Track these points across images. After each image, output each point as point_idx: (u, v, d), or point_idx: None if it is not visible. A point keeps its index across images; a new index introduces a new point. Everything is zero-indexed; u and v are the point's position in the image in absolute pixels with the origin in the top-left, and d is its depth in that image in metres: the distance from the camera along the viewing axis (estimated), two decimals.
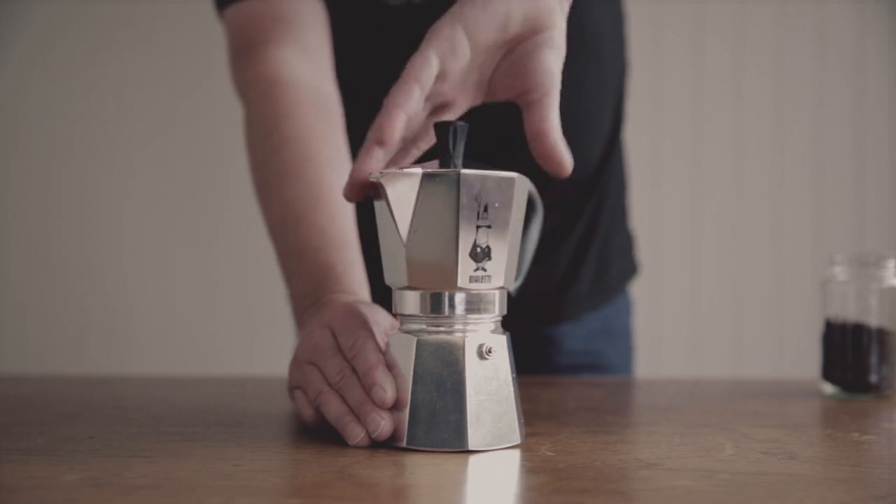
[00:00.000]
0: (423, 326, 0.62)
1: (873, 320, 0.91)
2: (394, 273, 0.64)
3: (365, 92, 0.87)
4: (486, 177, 0.61)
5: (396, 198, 0.60)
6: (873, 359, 0.90)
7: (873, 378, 0.90)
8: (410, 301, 0.63)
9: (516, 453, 0.62)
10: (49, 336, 2.11)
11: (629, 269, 1.17)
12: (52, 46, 2.10)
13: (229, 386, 0.96)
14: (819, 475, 0.57)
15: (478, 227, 0.61)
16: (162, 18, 2.05)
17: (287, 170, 0.82)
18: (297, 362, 0.70)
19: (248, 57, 0.88)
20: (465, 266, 0.61)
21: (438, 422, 0.61)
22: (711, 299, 2.15)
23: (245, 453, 0.61)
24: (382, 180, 0.60)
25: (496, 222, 0.62)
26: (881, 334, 0.91)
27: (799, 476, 0.56)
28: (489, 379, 0.62)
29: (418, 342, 0.62)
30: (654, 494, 0.52)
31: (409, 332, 0.63)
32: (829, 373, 0.92)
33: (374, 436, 0.62)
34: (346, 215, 0.81)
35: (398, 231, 0.61)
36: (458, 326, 0.62)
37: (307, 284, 0.77)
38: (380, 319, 0.69)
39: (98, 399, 0.85)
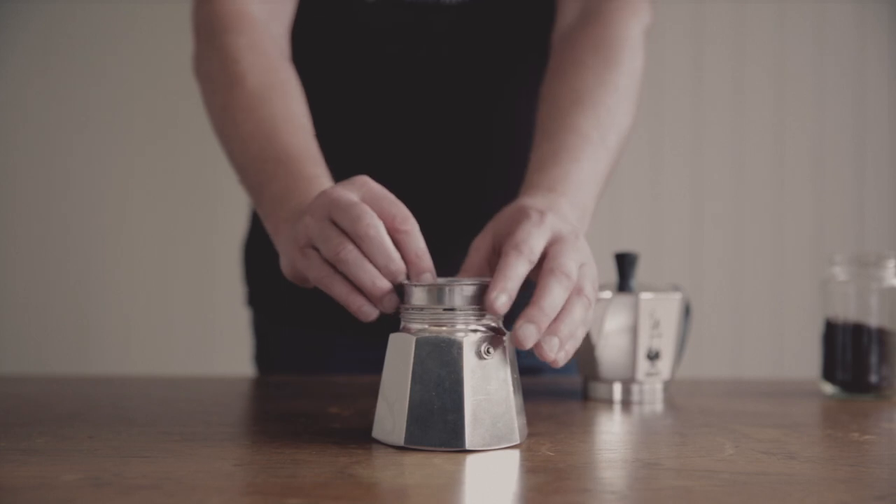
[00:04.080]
0: (424, 326, 0.62)
1: (873, 320, 0.91)
2: (587, 364, 0.87)
3: (335, 77, 0.97)
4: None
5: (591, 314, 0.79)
6: (873, 359, 0.90)
7: (873, 378, 0.90)
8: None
9: (517, 453, 0.61)
10: (49, 336, 2.11)
11: None
12: (52, 47, 2.10)
13: (229, 386, 0.96)
14: (819, 475, 0.57)
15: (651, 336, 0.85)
16: (162, 19, 2.05)
17: (259, 92, 0.82)
18: (313, 216, 0.67)
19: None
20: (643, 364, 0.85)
21: (436, 421, 0.61)
22: (711, 299, 2.15)
23: (245, 453, 0.61)
24: None
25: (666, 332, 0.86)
26: (881, 334, 0.91)
27: (799, 476, 0.56)
28: (488, 379, 0.62)
29: (417, 341, 0.62)
30: (654, 494, 0.52)
31: (408, 331, 0.63)
32: (829, 373, 0.92)
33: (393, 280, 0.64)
34: (311, 135, 0.81)
35: (590, 337, 0.85)
36: (458, 326, 0.62)
37: (289, 187, 0.75)
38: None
39: (98, 399, 0.85)
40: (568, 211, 0.76)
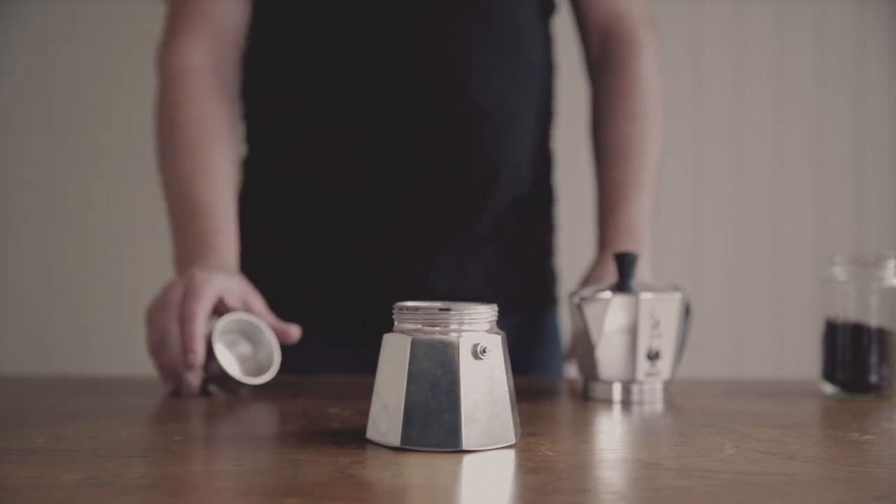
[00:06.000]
0: (419, 326, 0.62)
1: (873, 320, 0.91)
2: (586, 364, 0.87)
3: (294, 84, 1.07)
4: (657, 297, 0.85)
5: (592, 314, 0.84)
6: (873, 359, 0.90)
7: (873, 378, 0.90)
8: None
9: (516, 453, 0.62)
10: (49, 336, 2.11)
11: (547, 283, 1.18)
12: (52, 47, 2.10)
13: None
14: (819, 475, 0.57)
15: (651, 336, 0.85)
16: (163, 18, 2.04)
17: (184, 147, 0.99)
18: (153, 305, 0.88)
19: (171, 41, 1.05)
20: (643, 364, 0.85)
21: (432, 422, 0.61)
22: (711, 299, 2.15)
23: (245, 453, 0.61)
24: (582, 304, 0.84)
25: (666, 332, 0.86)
26: (881, 334, 0.91)
27: (799, 476, 0.56)
28: (484, 379, 0.62)
29: (413, 342, 0.62)
30: (654, 494, 0.52)
31: (404, 331, 0.63)
32: (829, 373, 0.92)
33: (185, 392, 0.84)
34: (226, 189, 0.98)
35: (590, 337, 0.84)
36: (453, 326, 0.62)
37: (188, 243, 0.94)
38: (233, 287, 0.89)
39: (98, 399, 0.85)
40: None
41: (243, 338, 0.90)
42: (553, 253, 1.18)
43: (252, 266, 1.16)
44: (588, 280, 1.02)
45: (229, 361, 0.88)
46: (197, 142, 0.99)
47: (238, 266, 0.96)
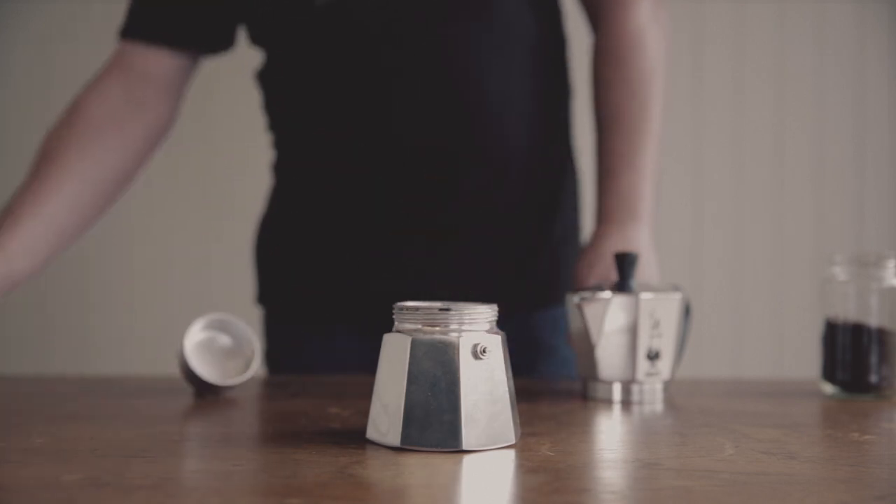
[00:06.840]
0: (419, 326, 0.62)
1: (873, 320, 0.91)
2: (587, 365, 0.87)
3: (302, 87, 1.07)
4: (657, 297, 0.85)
5: (592, 314, 0.83)
6: (873, 359, 0.90)
7: (873, 378, 0.90)
8: None
9: (516, 453, 0.62)
10: (49, 336, 2.11)
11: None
12: (53, 46, 2.10)
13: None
14: (819, 475, 0.57)
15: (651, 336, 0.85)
16: None
17: (34, 164, 1.14)
18: None
19: (94, 80, 1.14)
20: (642, 364, 0.85)
21: (432, 422, 0.61)
22: (711, 299, 2.15)
23: (245, 453, 0.61)
24: (582, 304, 0.84)
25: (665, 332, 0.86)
26: (881, 334, 0.91)
27: (799, 476, 0.56)
28: (484, 379, 0.62)
29: (413, 342, 0.62)
30: (654, 494, 0.52)
31: (403, 331, 0.63)
32: (829, 373, 0.92)
33: None
34: (45, 199, 1.11)
35: (590, 337, 0.84)
36: (453, 326, 0.62)
37: None
38: None
39: (98, 399, 0.85)
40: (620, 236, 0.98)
41: (223, 333, 0.90)
42: (575, 243, 1.15)
43: (254, 266, 1.16)
44: (583, 260, 0.98)
45: (204, 364, 0.88)
46: (42, 163, 1.13)
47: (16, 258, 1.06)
